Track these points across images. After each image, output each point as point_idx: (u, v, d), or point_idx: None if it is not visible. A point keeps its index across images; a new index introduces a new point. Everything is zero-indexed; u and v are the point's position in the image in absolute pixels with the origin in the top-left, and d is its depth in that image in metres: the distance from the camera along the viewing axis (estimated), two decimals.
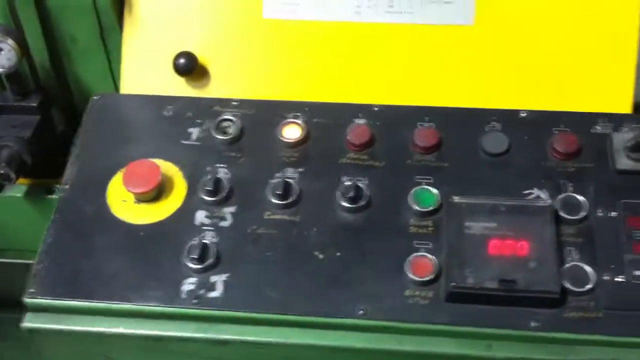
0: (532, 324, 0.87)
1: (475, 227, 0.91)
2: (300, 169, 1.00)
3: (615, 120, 1.02)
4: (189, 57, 1.14)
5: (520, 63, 1.12)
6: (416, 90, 1.12)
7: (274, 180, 0.98)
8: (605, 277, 0.89)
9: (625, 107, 1.09)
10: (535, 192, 0.96)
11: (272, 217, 0.97)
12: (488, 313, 0.88)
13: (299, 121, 1.04)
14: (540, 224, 0.90)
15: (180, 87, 1.15)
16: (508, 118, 1.03)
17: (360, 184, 0.97)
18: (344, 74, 1.14)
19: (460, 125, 1.03)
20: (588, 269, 0.89)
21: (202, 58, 1.15)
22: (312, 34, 1.16)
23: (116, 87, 1.20)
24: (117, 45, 1.18)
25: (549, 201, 0.93)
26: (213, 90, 1.15)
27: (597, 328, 0.86)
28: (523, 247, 0.89)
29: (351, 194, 0.95)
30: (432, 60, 1.14)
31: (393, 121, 1.04)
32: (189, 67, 1.14)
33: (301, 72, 1.15)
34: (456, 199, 0.93)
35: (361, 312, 0.88)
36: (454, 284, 0.87)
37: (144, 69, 1.16)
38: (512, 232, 0.90)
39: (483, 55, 1.13)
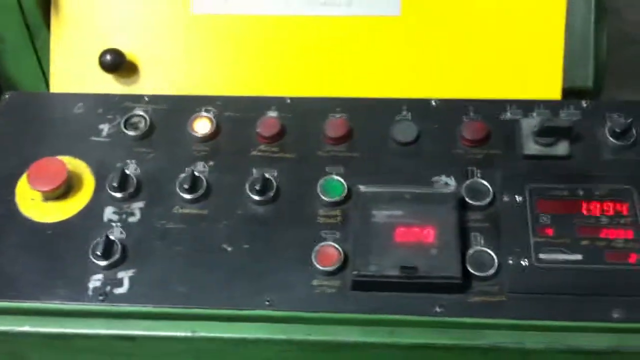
0: (436, 309, 0.88)
1: (381, 215, 0.92)
2: (211, 163, 1.00)
3: (525, 106, 1.03)
4: (116, 53, 1.14)
5: (449, 52, 1.13)
6: (344, 82, 1.13)
7: (183, 175, 0.98)
8: (510, 261, 0.90)
9: (554, 93, 1.11)
10: (443, 179, 0.97)
11: (180, 211, 0.96)
12: (392, 300, 0.88)
13: (209, 115, 1.04)
14: (444, 211, 0.91)
15: (109, 84, 1.15)
16: (419, 107, 1.04)
17: (269, 176, 0.97)
18: (273, 68, 1.14)
19: (371, 115, 1.04)
20: (492, 253, 0.90)
21: (131, 55, 1.15)
22: (241, 29, 1.16)
23: (47, 86, 1.19)
24: (46, 44, 1.17)
25: (453, 188, 0.94)
26: (142, 87, 1.15)
27: (500, 312, 0.87)
28: (427, 234, 0.90)
29: (259, 186, 0.95)
30: (360, 52, 1.14)
31: (305, 113, 1.05)
32: (116, 63, 1.14)
33: (231, 67, 1.15)
34: (362, 188, 0.94)
35: (267, 303, 0.89)
36: (356, 272, 0.88)
37: (73, 67, 1.16)
38: (416, 219, 0.91)
39: (411, 46, 1.14)
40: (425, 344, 0.87)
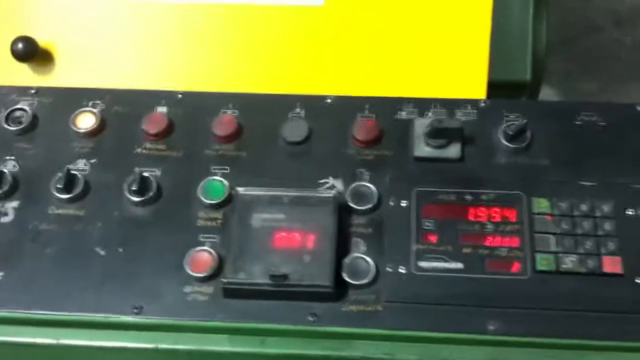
0: (309, 318, 0.85)
1: (258, 219, 0.89)
2: (93, 161, 0.97)
3: (422, 105, 1.00)
4: (27, 42, 1.11)
5: (372, 48, 1.10)
6: (261, 76, 1.10)
7: (60, 173, 0.95)
8: (389, 269, 0.88)
9: (479, 92, 1.08)
10: (331, 181, 0.95)
11: (55, 212, 0.94)
12: (265, 308, 0.86)
13: (94, 110, 1.01)
14: (322, 216, 0.89)
15: (23, 74, 1.12)
16: (313, 104, 1.01)
17: (148, 175, 0.94)
18: (195, 59, 1.11)
19: (264, 112, 1.01)
20: (371, 261, 0.88)
21: (46, 44, 1.12)
22: (158, 16, 1.13)
23: None
24: None
25: (335, 191, 0.91)
26: (58, 77, 1.12)
27: (374, 322, 0.85)
28: (303, 240, 0.87)
29: (136, 185, 0.93)
30: (278, 43, 1.11)
31: (196, 109, 1.02)
32: (28, 52, 1.11)
33: (150, 57, 1.12)
34: (241, 190, 0.91)
35: (135, 310, 0.86)
36: (224, 279, 0.85)
37: None
38: (294, 224, 0.88)
39: (333, 38, 1.11)
40: (296, 354, 0.85)
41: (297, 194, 0.90)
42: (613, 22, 2.80)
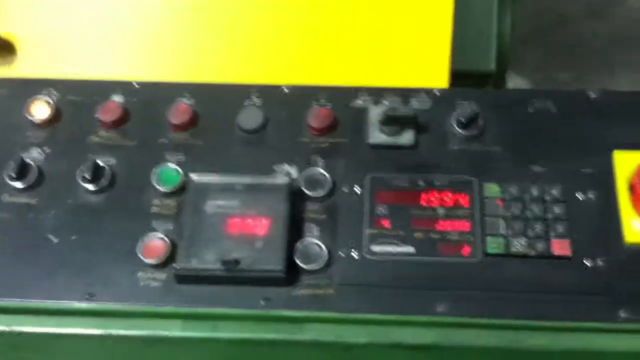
0: (261, 303, 0.86)
1: (212, 205, 0.90)
2: (47, 150, 0.97)
3: (377, 93, 1.01)
4: None
5: (331, 37, 1.11)
6: (222, 64, 1.11)
7: (13, 162, 0.95)
8: (341, 254, 0.89)
9: (442, 82, 1.09)
10: (286, 168, 0.95)
11: (9, 200, 0.94)
12: (218, 294, 0.86)
13: (48, 99, 1.01)
14: (275, 202, 0.89)
15: None
16: (269, 93, 1.02)
17: (102, 163, 0.94)
18: (152, 49, 1.12)
19: (220, 101, 1.01)
20: (323, 245, 0.88)
21: (9, 35, 1.13)
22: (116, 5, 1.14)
23: None
24: None
25: (288, 178, 0.92)
26: (21, 68, 1.12)
27: (326, 305, 0.86)
28: (256, 226, 0.88)
29: (89, 174, 0.93)
30: (232, 33, 1.12)
31: (152, 98, 1.02)
32: None
33: (107, 47, 1.12)
34: (195, 177, 0.92)
35: (87, 296, 0.86)
36: (177, 266, 0.86)
37: None
38: (247, 210, 0.89)
39: (289, 27, 1.12)
40: (248, 339, 0.85)
41: (250, 180, 0.91)
42: (587, 12, 2.83)
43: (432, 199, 0.92)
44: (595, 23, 2.81)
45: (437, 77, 1.10)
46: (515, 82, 2.59)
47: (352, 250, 0.89)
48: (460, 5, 1.22)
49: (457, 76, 1.28)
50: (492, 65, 1.33)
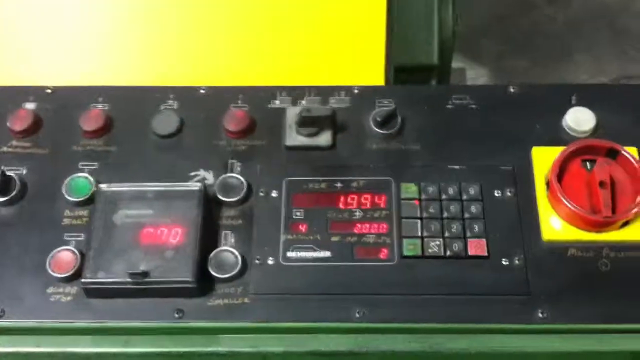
0: (174, 315, 0.84)
1: (122, 215, 0.87)
2: None
3: (296, 93, 0.99)
4: None
5: (270, 35, 1.09)
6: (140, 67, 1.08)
7: None
8: (257, 261, 0.87)
9: (377, 79, 1.07)
10: (202, 173, 0.93)
11: None
12: (129, 307, 0.84)
13: None
14: (188, 209, 0.87)
15: None
16: (186, 95, 0.99)
17: (11, 174, 0.91)
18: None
19: (135, 105, 0.98)
20: (237, 253, 0.86)
21: None
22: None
23: None
24: None
25: (199, 184, 0.89)
26: None
27: (241, 315, 0.84)
28: (167, 235, 0.85)
29: None
30: (161, 31, 1.09)
31: (65, 103, 0.99)
32: None
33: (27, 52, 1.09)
34: (103, 187, 0.89)
35: None
36: (84, 279, 0.83)
37: None
38: (158, 219, 0.86)
39: (221, 27, 1.09)
40: (161, 352, 0.83)
41: (161, 188, 0.88)
42: None
43: (350, 201, 0.90)
44: (554, 10, 2.81)
45: (373, 74, 1.08)
46: (475, 71, 2.59)
47: (268, 257, 0.87)
48: (399, 1, 1.21)
49: (401, 70, 1.27)
50: (434, 59, 1.32)
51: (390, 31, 1.20)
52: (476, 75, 2.73)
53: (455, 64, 2.82)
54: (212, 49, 1.09)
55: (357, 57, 1.08)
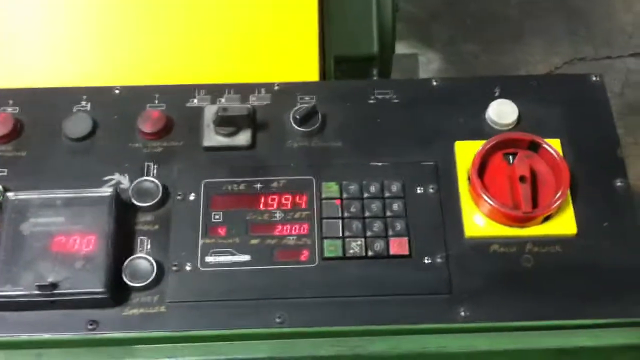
0: (88, 326, 0.82)
1: (30, 224, 0.84)
2: None
3: (215, 91, 0.97)
4: None
5: (193, 32, 1.07)
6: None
7: None
8: (174, 267, 0.85)
9: (311, 74, 1.05)
10: (117, 177, 0.91)
11: None
12: (42, 319, 0.82)
13: None
14: (99, 216, 0.85)
15: None
16: (100, 96, 0.96)
17: None
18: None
19: (47, 107, 0.96)
20: (153, 260, 0.84)
21: None
22: None
23: None
24: None
25: (111, 189, 0.87)
26: None
27: (157, 324, 0.82)
28: (79, 244, 0.83)
29: None
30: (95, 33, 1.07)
31: None
32: None
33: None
34: (11, 195, 0.86)
35: None
36: None
37: None
38: (69, 227, 0.84)
39: (159, 27, 1.07)
40: None
41: (71, 194, 0.86)
42: None
43: (270, 202, 0.89)
44: None
45: (306, 69, 1.06)
46: (426, 56, 2.59)
47: (186, 263, 0.85)
48: None
49: (341, 61, 1.26)
50: (374, 49, 1.32)
51: (326, 23, 1.20)
52: (428, 61, 2.74)
53: (408, 49, 2.84)
54: (131, 47, 1.06)
55: (288, 53, 1.07)
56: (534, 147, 0.89)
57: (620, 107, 2.57)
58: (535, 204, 0.86)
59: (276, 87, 0.97)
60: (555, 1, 2.86)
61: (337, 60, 1.27)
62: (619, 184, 0.89)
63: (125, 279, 0.83)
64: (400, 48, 2.70)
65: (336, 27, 1.26)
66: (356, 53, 1.33)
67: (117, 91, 0.97)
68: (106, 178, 0.91)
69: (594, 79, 0.97)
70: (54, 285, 0.80)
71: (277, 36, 1.07)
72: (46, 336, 0.82)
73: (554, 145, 0.89)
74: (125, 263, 0.84)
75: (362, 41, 1.33)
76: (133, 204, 0.88)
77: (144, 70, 1.04)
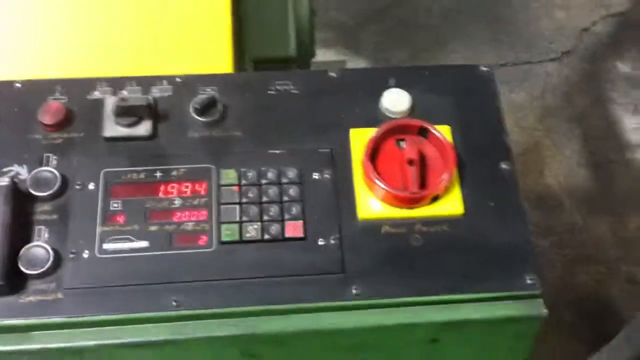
0: None
1: None
2: None
3: (117, 84, 1.00)
4: None
5: (107, 28, 1.11)
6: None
7: None
8: (71, 255, 0.88)
9: (225, 67, 1.09)
10: (15, 169, 0.93)
11: None
12: None
13: None
14: None
15: None
16: (1, 89, 0.99)
17: None
18: None
19: None
20: (50, 248, 0.87)
21: None
22: None
23: None
24: None
25: (7, 179, 0.89)
26: None
27: (54, 310, 0.85)
28: None
29: None
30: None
31: None
32: None
33: None
34: None
35: None
36: None
37: None
38: None
39: (73, 24, 1.10)
40: None
41: None
42: None
43: (170, 190, 0.92)
44: (430, 0, 2.92)
45: (220, 62, 1.11)
46: (355, 63, 2.66)
47: (84, 250, 0.88)
48: None
49: (259, 62, 1.31)
50: (291, 51, 1.37)
51: (244, 26, 1.24)
52: (356, 67, 2.80)
53: (337, 56, 2.91)
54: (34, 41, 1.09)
55: (200, 52, 1.11)
56: (424, 133, 0.95)
57: (540, 110, 2.68)
58: (423, 186, 0.91)
59: (178, 80, 1.01)
60: (479, 10, 2.98)
61: (255, 61, 1.32)
62: (504, 166, 0.96)
63: (21, 267, 0.86)
64: (330, 55, 2.78)
65: (253, 29, 1.31)
66: (273, 54, 1.37)
67: (18, 85, 0.99)
68: (5, 170, 0.93)
69: (483, 69, 1.03)
70: None
71: (188, 34, 1.11)
72: None
73: (443, 131, 0.95)
74: (22, 251, 0.86)
75: (279, 43, 1.38)
76: (31, 194, 0.90)
77: (46, 65, 1.07)
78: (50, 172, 0.92)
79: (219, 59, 1.11)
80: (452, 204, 0.92)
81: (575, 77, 2.76)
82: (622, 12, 2.99)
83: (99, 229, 0.89)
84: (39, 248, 0.87)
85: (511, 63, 2.80)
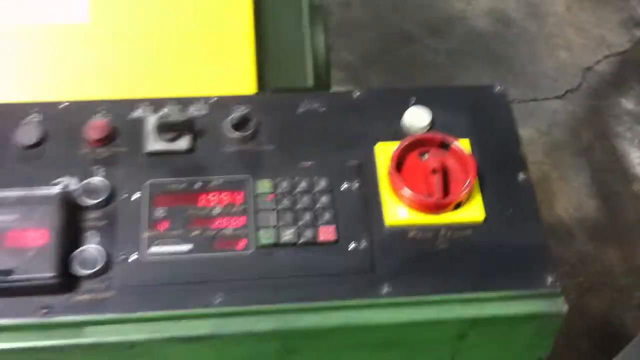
0: (42, 311, 0.91)
1: None
2: None
3: (157, 104, 1.09)
4: None
5: (145, 54, 1.21)
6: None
7: None
8: (121, 257, 0.95)
9: (250, 89, 1.19)
10: (66, 180, 1.01)
11: None
12: None
13: None
14: (49, 212, 0.95)
15: None
16: (48, 109, 1.07)
17: None
18: None
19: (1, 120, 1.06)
20: (102, 250, 0.95)
21: None
22: None
23: None
24: None
25: (57, 189, 0.97)
26: None
27: (106, 308, 0.92)
28: (31, 238, 0.93)
29: None
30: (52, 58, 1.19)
31: None
32: None
33: None
34: None
35: None
36: None
37: None
38: (20, 223, 0.94)
39: (103, 50, 1.20)
40: (27, 347, 0.91)
41: (21, 193, 0.96)
42: (427, 31, 3.04)
43: (209, 198, 1.00)
44: (436, 41, 3.03)
45: (245, 84, 1.20)
46: None
47: (132, 253, 0.96)
48: (269, 24, 1.34)
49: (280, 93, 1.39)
50: (309, 82, 1.45)
51: (264, 58, 1.34)
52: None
53: None
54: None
55: (227, 74, 1.21)
56: (445, 146, 1.03)
57: (547, 145, 2.77)
58: (446, 193, 0.99)
59: (214, 100, 1.10)
60: (483, 51, 3.09)
61: (274, 92, 1.41)
62: (521, 177, 1.04)
63: (75, 268, 0.93)
64: None
65: (272, 61, 1.40)
66: (292, 85, 1.46)
67: (62, 105, 1.08)
68: (55, 181, 1.01)
69: (498, 88, 1.12)
70: (7, 272, 0.90)
71: (215, 57, 1.21)
72: (1, 321, 0.91)
73: (463, 144, 1.04)
74: (75, 253, 0.94)
75: (297, 74, 1.46)
76: (80, 203, 0.99)
77: (89, 87, 1.16)
78: (102, 182, 1.00)
79: (244, 85, 1.20)
80: (473, 211, 1.00)
81: (581, 113, 2.86)
82: (623, 52, 3.11)
83: (145, 234, 0.97)
84: (92, 250, 0.95)
85: (517, 100, 2.90)
